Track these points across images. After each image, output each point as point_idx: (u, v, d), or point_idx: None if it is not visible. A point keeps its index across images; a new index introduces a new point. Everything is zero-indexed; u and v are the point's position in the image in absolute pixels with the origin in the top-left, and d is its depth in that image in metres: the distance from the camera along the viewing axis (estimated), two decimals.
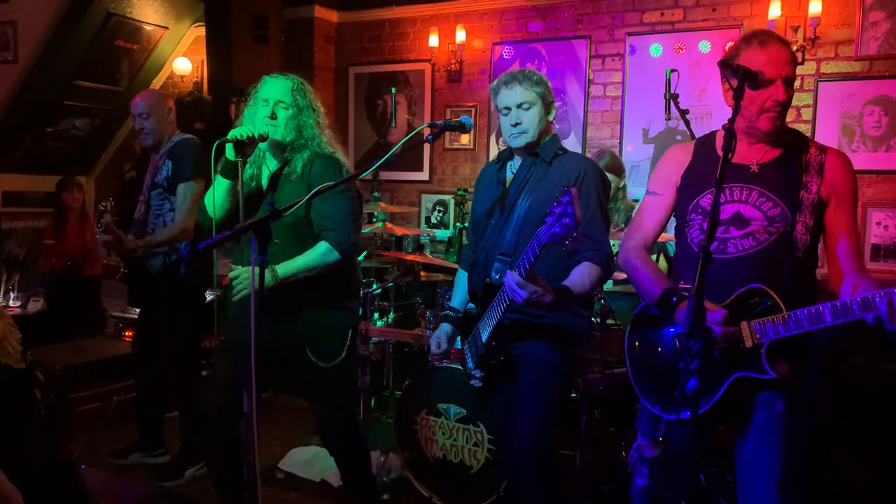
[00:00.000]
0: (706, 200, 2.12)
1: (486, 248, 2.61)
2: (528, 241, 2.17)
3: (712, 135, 2.25)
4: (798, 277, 2.05)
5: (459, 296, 2.83)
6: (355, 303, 2.88)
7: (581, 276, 2.38)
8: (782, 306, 1.92)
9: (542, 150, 2.56)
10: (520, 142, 2.54)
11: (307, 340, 2.71)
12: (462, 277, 2.84)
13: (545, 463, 2.52)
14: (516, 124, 2.52)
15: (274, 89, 2.67)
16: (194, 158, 3.56)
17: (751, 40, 2.05)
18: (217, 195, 2.67)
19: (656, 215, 2.30)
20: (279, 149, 2.71)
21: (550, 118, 2.60)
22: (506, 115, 2.55)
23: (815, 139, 2.25)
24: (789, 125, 2.17)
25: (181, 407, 3.75)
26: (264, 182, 2.75)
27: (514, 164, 2.65)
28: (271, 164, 2.76)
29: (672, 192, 2.26)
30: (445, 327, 2.76)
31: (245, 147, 2.54)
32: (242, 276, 2.55)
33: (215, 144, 2.51)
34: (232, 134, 2.51)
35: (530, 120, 2.52)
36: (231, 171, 2.59)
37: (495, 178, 2.70)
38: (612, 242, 3.68)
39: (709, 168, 2.08)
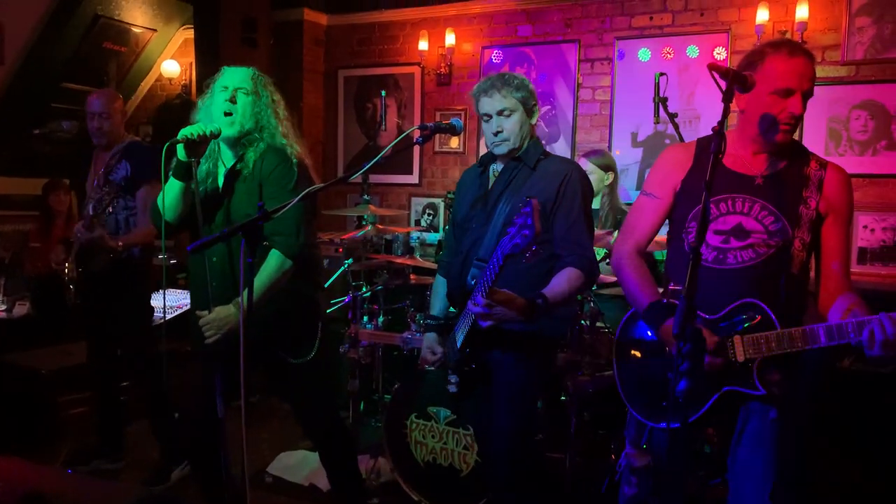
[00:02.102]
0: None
1: (465, 252, 2.59)
2: None
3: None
4: (792, 293, 2.04)
5: (439, 303, 2.79)
6: (320, 295, 2.80)
7: (560, 282, 2.35)
8: (776, 323, 1.91)
9: (525, 154, 2.54)
10: (502, 150, 2.53)
11: (274, 338, 2.63)
12: (440, 285, 2.81)
13: (523, 473, 2.52)
14: (498, 132, 2.50)
15: (233, 77, 2.61)
16: (154, 161, 3.57)
17: (780, 47, 2.02)
18: (170, 197, 2.58)
19: (652, 218, 2.27)
20: (235, 141, 2.62)
21: (533, 122, 2.57)
22: (487, 122, 2.53)
23: (803, 143, 2.24)
24: None
25: (150, 410, 3.72)
26: (220, 180, 2.66)
27: (496, 168, 2.62)
28: (227, 160, 2.66)
29: (669, 196, 2.22)
30: (431, 336, 2.72)
31: (197, 146, 2.48)
32: (213, 322, 2.46)
33: (165, 146, 2.46)
34: (182, 133, 2.44)
35: (512, 127, 2.50)
36: (184, 172, 2.52)
37: (477, 181, 2.67)
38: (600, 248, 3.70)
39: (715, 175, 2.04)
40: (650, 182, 2.29)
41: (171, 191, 2.57)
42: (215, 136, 2.52)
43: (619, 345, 2.28)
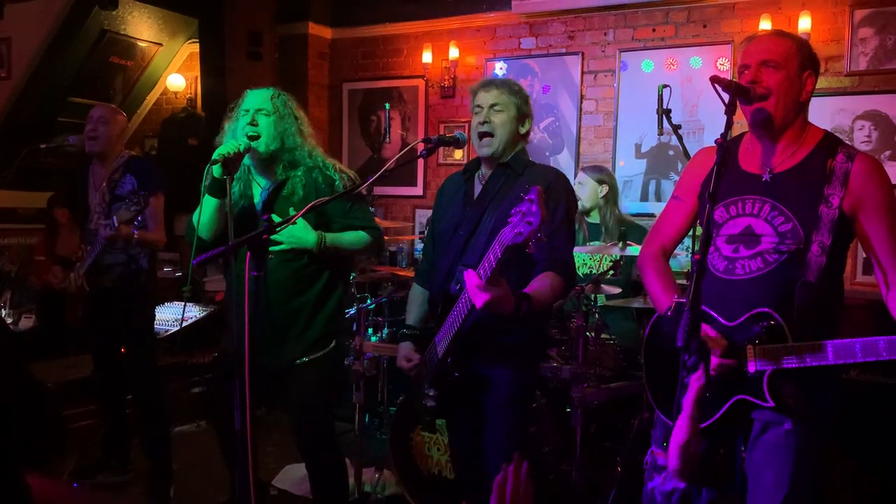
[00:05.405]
0: (718, 213, 2.05)
1: (450, 259, 2.53)
2: None
3: (738, 139, 2.16)
4: (810, 302, 1.92)
5: (415, 313, 2.75)
6: (344, 336, 2.95)
7: (543, 284, 2.30)
8: (788, 335, 1.86)
9: (515, 160, 2.52)
10: (486, 151, 2.49)
11: (292, 350, 2.72)
12: (417, 294, 2.76)
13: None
14: (483, 122, 2.47)
15: (254, 99, 2.70)
16: (158, 173, 3.64)
17: (746, 41, 2.07)
18: (206, 214, 2.65)
19: (677, 221, 2.26)
20: (266, 163, 2.71)
21: (523, 131, 2.54)
22: (477, 113, 2.51)
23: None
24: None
25: (145, 425, 3.68)
26: (256, 199, 2.75)
27: (482, 175, 2.58)
28: (261, 181, 2.77)
29: (693, 198, 2.20)
30: (406, 344, 2.67)
31: (233, 163, 2.55)
32: (292, 232, 2.56)
33: (207, 167, 2.53)
34: (218, 153, 2.51)
35: (499, 123, 2.47)
36: (219, 189, 2.58)
37: (463, 188, 2.63)
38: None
39: (726, 177, 1.90)
40: (678, 185, 2.29)
41: (207, 208, 2.64)
42: (247, 150, 2.61)
43: (647, 344, 2.24)
